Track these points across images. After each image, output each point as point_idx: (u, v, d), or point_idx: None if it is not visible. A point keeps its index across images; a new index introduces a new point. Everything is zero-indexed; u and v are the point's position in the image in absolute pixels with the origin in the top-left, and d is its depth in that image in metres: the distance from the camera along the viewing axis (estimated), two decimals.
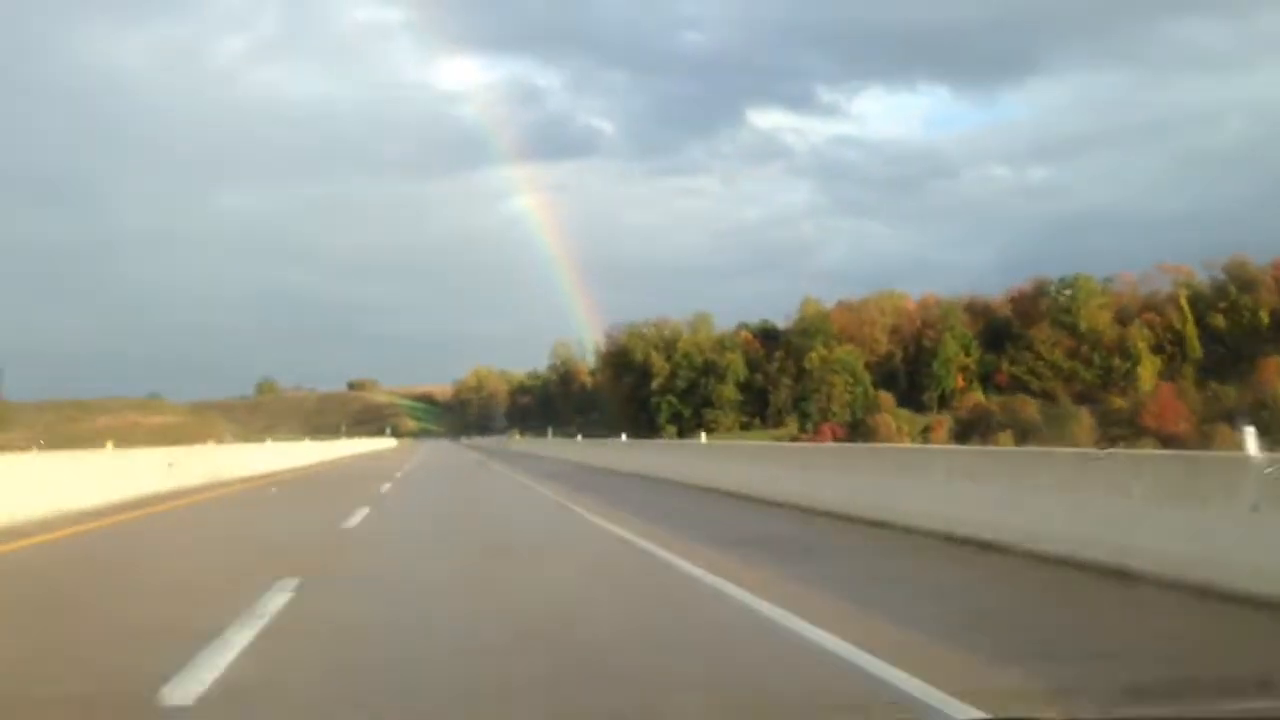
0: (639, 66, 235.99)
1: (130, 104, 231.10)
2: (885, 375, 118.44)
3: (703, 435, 75.48)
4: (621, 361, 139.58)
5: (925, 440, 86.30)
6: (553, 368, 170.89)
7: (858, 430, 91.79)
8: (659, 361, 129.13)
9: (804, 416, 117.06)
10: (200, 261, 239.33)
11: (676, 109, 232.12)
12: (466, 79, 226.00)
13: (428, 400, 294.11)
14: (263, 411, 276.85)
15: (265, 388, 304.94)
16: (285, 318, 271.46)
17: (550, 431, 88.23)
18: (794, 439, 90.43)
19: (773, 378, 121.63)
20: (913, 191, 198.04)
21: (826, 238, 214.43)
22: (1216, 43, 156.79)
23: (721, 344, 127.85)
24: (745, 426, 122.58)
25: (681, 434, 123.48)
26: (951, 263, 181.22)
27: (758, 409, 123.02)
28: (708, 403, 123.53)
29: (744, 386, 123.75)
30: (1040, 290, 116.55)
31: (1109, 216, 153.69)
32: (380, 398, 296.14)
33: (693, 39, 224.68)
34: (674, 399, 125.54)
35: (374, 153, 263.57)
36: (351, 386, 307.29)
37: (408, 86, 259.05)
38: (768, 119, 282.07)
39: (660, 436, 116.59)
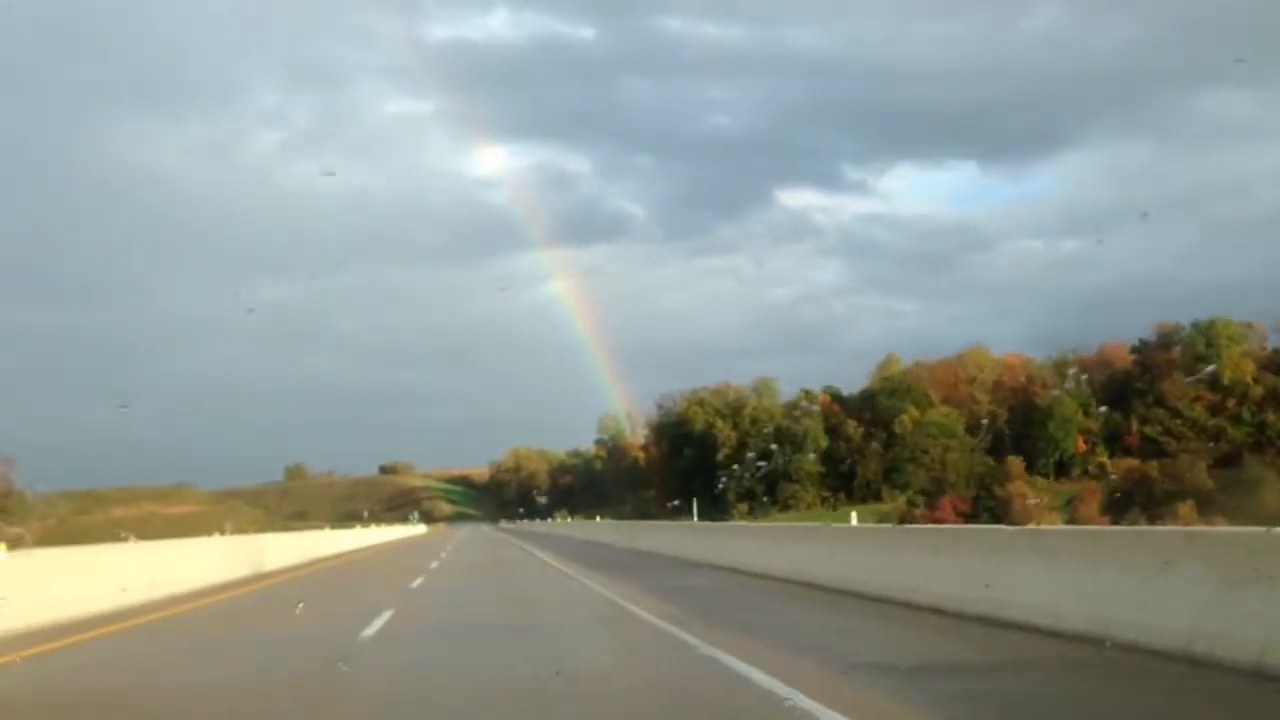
0: (667, 150, 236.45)
1: (165, 198, 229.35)
2: (988, 440, 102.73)
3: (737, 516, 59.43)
4: (679, 432, 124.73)
5: (1072, 516, 70.60)
6: (600, 443, 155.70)
7: (980, 504, 75.87)
8: (725, 430, 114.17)
9: (896, 488, 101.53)
10: (234, 351, 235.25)
11: (705, 191, 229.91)
12: (497, 166, 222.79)
13: (464, 483, 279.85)
14: (291, 498, 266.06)
15: (294, 473, 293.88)
16: (318, 405, 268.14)
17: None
18: (903, 519, 74.74)
19: (857, 446, 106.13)
20: (942, 267, 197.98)
21: (858, 315, 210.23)
22: (1246, 113, 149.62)
23: (794, 409, 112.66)
24: (826, 502, 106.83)
25: (753, 513, 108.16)
26: (983, 337, 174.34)
27: (841, 482, 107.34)
28: (784, 475, 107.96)
29: (824, 457, 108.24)
30: (1168, 339, 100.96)
31: (1141, 287, 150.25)
32: (414, 481, 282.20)
33: (720, 122, 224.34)
34: (744, 473, 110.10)
35: (407, 241, 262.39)
36: (384, 470, 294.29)
37: (440, 175, 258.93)
38: (796, 199, 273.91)
39: (728, 517, 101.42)
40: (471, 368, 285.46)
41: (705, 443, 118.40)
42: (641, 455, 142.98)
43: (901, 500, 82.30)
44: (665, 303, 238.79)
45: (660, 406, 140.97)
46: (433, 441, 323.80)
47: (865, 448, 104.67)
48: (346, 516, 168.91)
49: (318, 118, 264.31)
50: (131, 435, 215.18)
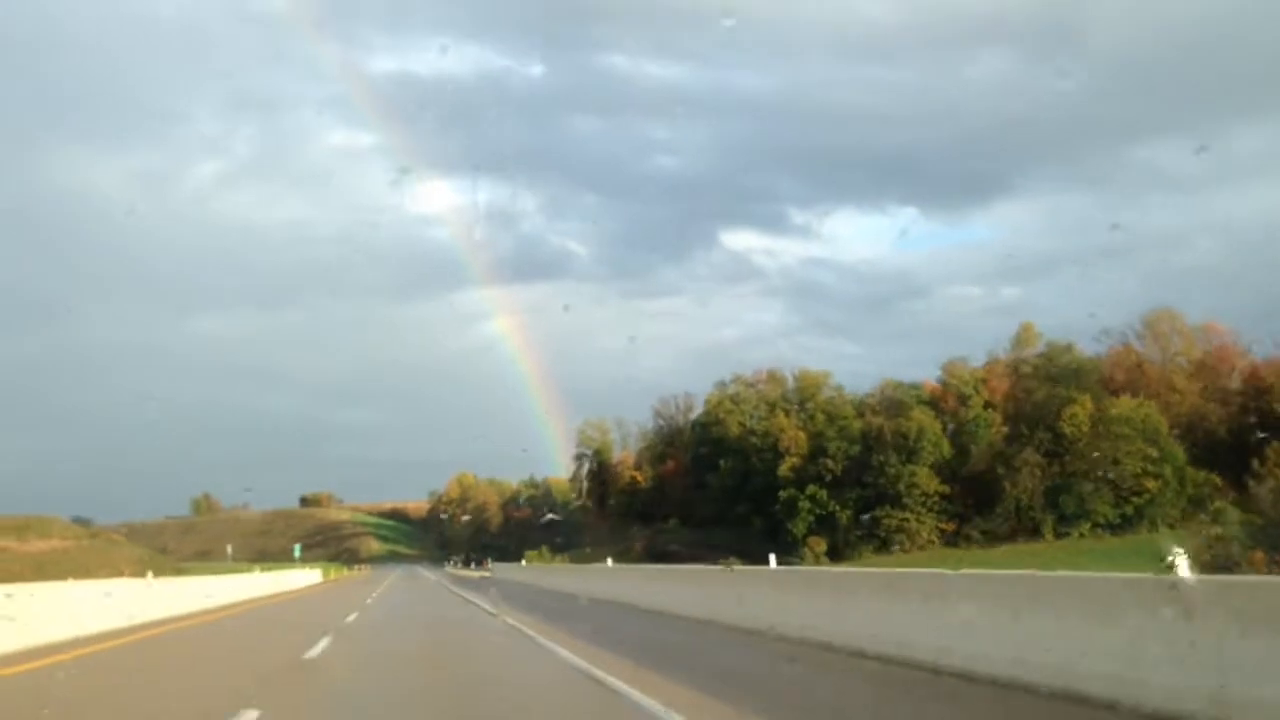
0: (612, 190, 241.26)
1: (102, 225, 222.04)
2: (1200, 449, 67.46)
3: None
4: (708, 439, 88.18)
5: None
6: (580, 458, 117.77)
7: None
8: (789, 429, 77.42)
9: (1066, 517, 65.98)
10: (167, 385, 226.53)
11: (649, 231, 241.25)
12: (440, 202, 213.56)
13: (398, 517, 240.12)
14: (196, 533, 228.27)
15: (202, 506, 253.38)
16: (249, 439, 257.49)
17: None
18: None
19: (1000, 453, 70.00)
20: (884, 311, 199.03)
21: (800, 357, 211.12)
22: (1181, 165, 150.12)
23: (893, 402, 76.09)
24: (952, 541, 70.30)
25: (835, 553, 71.69)
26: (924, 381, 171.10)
27: (972, 508, 70.97)
28: (884, 497, 71.38)
29: (943, 471, 71.89)
30: None
31: (1080, 334, 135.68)
32: (339, 515, 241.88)
33: (665, 163, 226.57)
34: (820, 492, 73.32)
35: (347, 276, 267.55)
36: (305, 503, 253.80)
37: (382, 209, 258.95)
38: (740, 240, 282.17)
39: (796, 560, 65.11)
40: (411, 405, 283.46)
41: (744, 452, 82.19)
42: (637, 475, 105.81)
43: (1213, 529, 46.47)
44: (607, 342, 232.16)
45: (659, 414, 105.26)
46: (366, 477, 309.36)
47: (1014, 456, 68.44)
48: (260, 555, 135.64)
49: (258, 148, 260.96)
50: (16, 465, 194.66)
